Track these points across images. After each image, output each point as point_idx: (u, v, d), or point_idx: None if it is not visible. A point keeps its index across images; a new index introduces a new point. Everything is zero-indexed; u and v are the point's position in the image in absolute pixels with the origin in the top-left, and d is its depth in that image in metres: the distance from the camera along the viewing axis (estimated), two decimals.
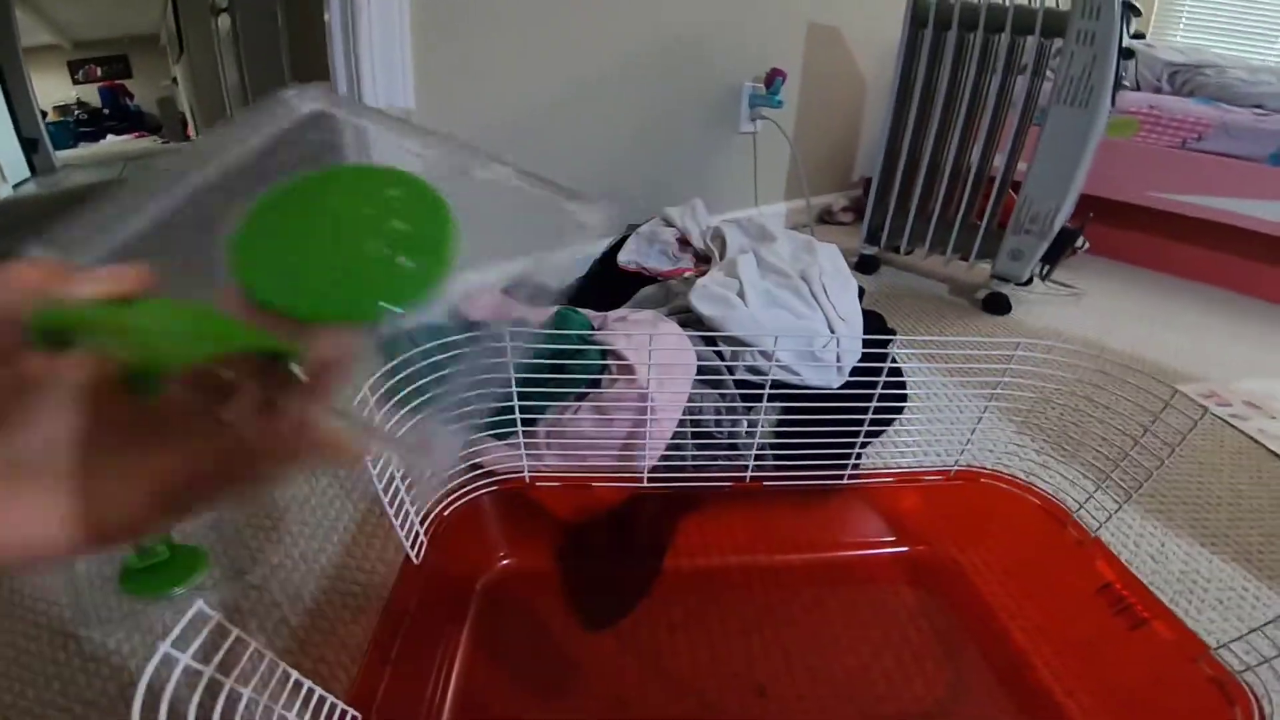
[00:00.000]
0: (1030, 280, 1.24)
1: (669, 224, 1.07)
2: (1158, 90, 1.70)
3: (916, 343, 1.04)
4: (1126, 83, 1.66)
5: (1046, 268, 1.20)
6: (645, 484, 0.58)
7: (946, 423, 0.74)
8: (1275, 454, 0.89)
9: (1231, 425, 0.94)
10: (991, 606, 0.58)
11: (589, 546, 0.61)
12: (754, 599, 0.58)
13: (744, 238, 0.98)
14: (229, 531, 0.63)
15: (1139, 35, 1.99)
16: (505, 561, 0.60)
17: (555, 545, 0.61)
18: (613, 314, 0.82)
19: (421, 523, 0.51)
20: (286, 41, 1.71)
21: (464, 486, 0.56)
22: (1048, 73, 1.14)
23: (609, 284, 1.03)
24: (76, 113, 6.86)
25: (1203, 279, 1.57)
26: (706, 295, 0.80)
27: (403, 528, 0.45)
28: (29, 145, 3.85)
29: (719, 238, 0.98)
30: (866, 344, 0.88)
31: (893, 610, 0.59)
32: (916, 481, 0.60)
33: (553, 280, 1.13)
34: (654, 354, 0.63)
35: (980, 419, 0.53)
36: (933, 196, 1.29)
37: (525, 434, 0.62)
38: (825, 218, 1.81)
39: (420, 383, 0.48)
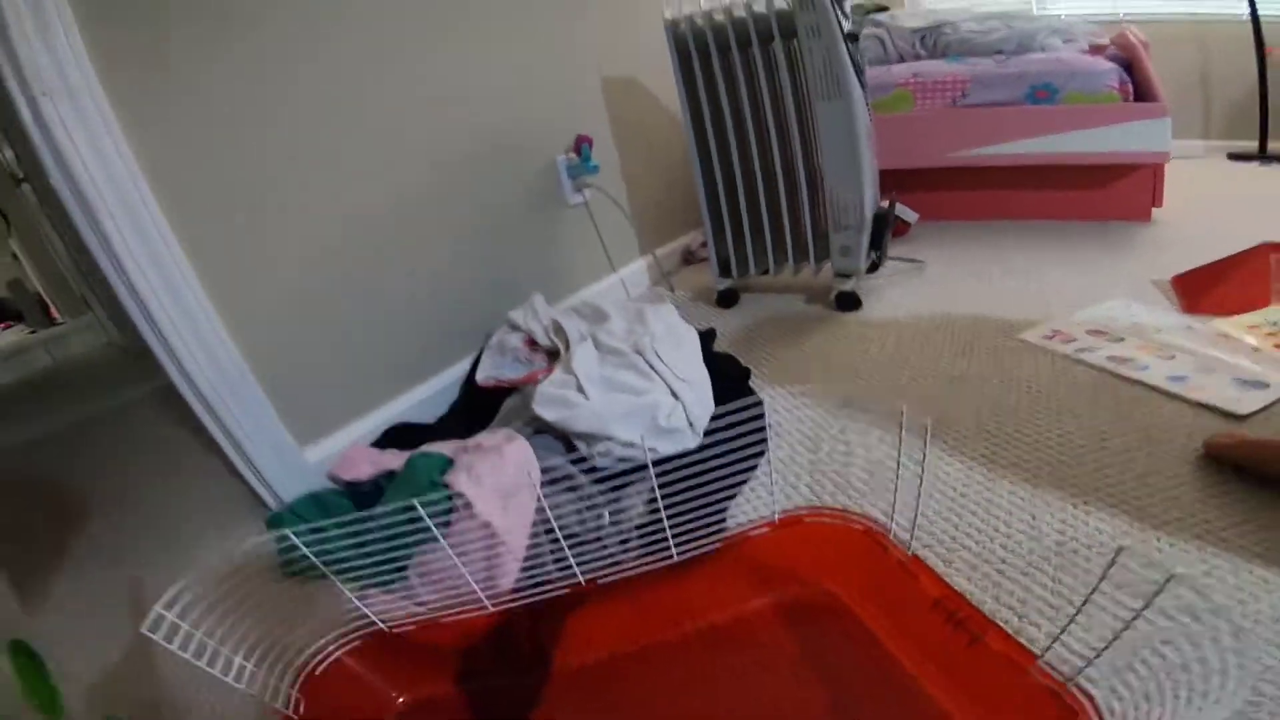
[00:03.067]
0: (874, 266, 1.33)
1: (515, 327, 1.11)
2: (918, 57, 1.86)
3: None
4: (865, 65, 1.82)
5: (876, 253, 1.28)
6: (490, 610, 0.61)
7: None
8: (1128, 379, 0.88)
9: (1081, 361, 0.97)
10: (868, 635, 0.59)
11: (480, 668, 0.64)
12: (634, 687, 0.61)
13: (582, 323, 1.04)
14: None
15: (881, 8, 2.18)
16: (401, 700, 0.63)
17: (449, 674, 0.64)
18: (470, 441, 0.85)
19: (292, 685, 0.54)
20: None
21: (325, 647, 0.58)
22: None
23: (477, 406, 1.06)
24: None
25: (1026, 216, 1.70)
26: (546, 400, 0.84)
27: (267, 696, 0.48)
28: None
29: (560, 331, 1.03)
30: (718, 392, 0.95)
31: (775, 667, 0.60)
32: (746, 537, 0.65)
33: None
34: (493, 482, 0.67)
35: (771, 473, 0.59)
36: (757, 215, 1.36)
37: (401, 577, 0.65)
38: (688, 258, 1.89)
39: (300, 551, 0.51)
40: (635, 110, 1.70)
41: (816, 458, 0.82)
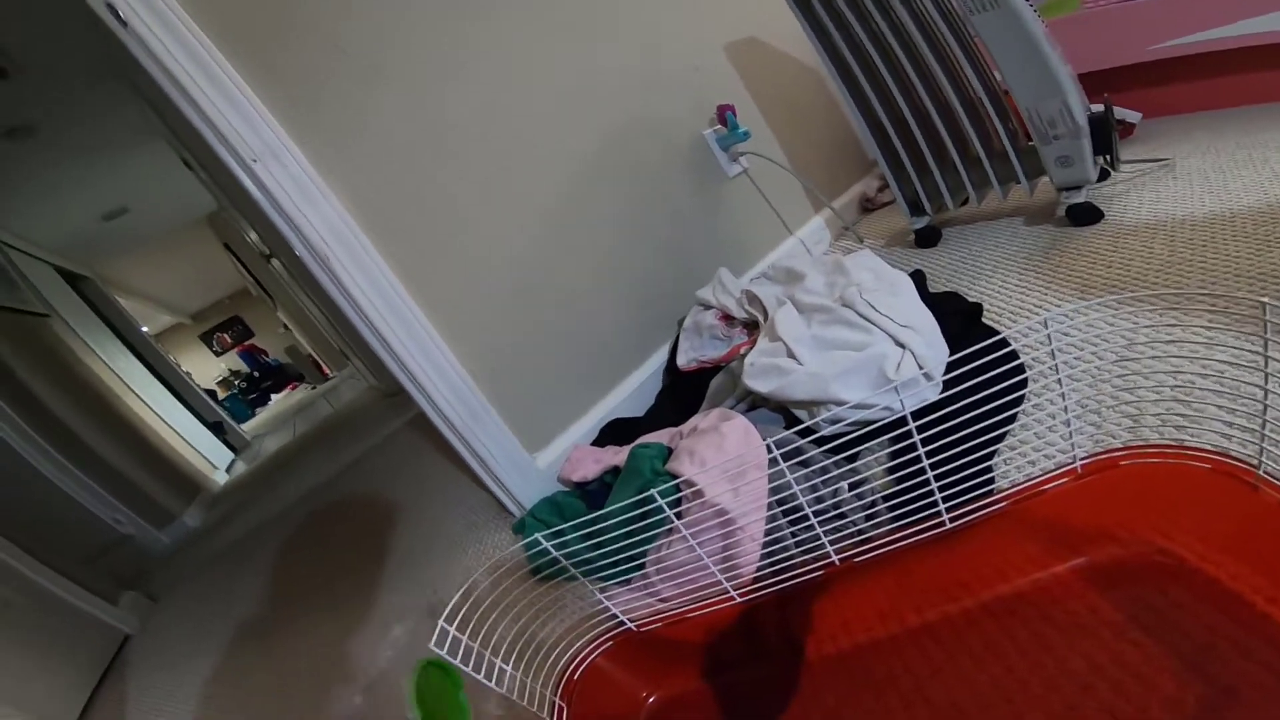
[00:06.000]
0: (1106, 175, 1.10)
1: (706, 305, 1.08)
2: None
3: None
4: None
5: (1108, 156, 1.06)
6: (737, 600, 0.57)
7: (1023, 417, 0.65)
8: None
9: None
10: (1229, 596, 0.45)
11: (726, 661, 0.61)
12: (912, 664, 0.53)
13: (776, 288, 0.97)
14: None
15: None
16: (651, 699, 0.61)
17: (695, 670, 0.62)
18: (685, 426, 0.83)
19: (554, 692, 0.55)
20: None
21: (582, 651, 0.59)
22: None
23: (682, 391, 1.05)
24: (237, 383, 8.17)
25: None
26: (756, 372, 0.79)
27: (538, 707, 0.49)
28: (216, 429, 4.54)
29: (755, 300, 0.97)
30: (948, 333, 0.83)
31: (1092, 631, 0.50)
32: (1038, 492, 0.53)
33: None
34: (718, 464, 0.64)
35: (1067, 409, 0.47)
36: (939, 145, 1.21)
37: (638, 569, 0.65)
38: (867, 206, 1.74)
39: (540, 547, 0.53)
40: (768, 69, 1.61)
41: (1128, 384, 0.66)
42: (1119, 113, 1.36)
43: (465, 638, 0.45)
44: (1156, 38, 1.33)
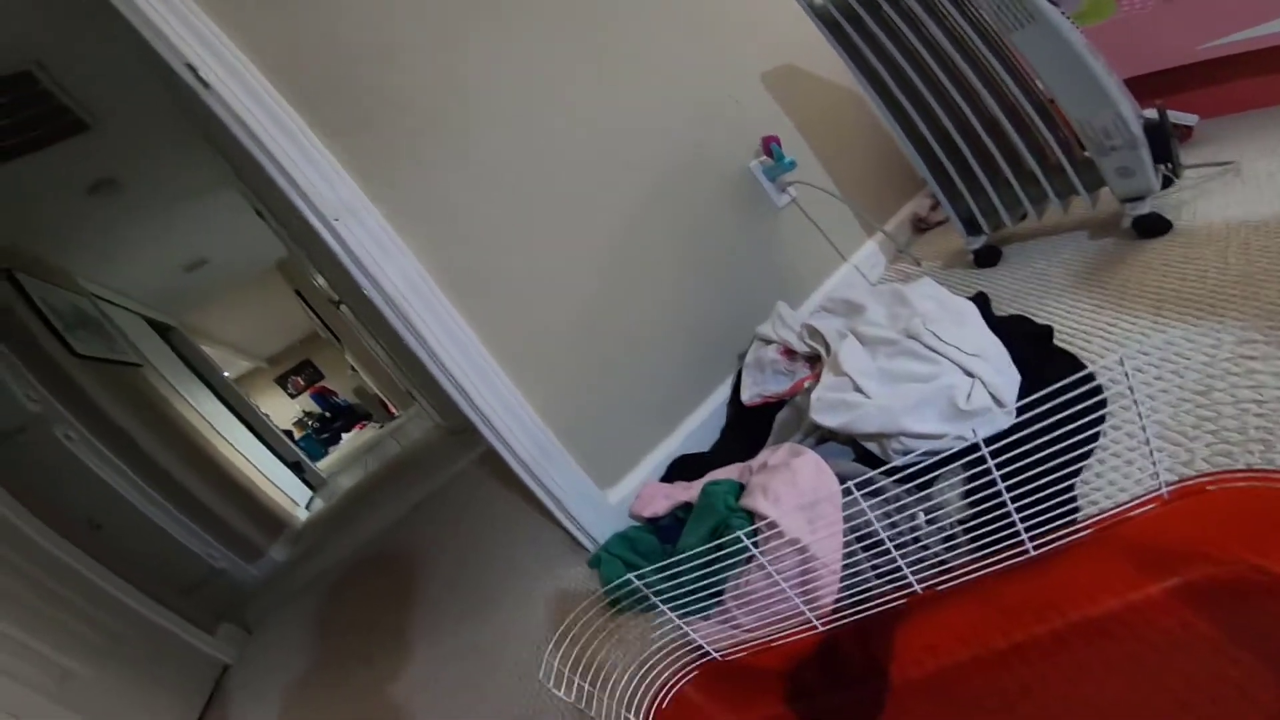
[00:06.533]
0: (1170, 182, 1.08)
1: (767, 341, 1.10)
2: None
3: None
4: None
5: (1169, 164, 1.04)
6: (819, 629, 0.59)
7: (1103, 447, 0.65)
8: None
9: None
10: None
11: (810, 687, 0.62)
12: (998, 686, 0.53)
13: (836, 320, 0.99)
14: None
15: None
16: None
17: (778, 696, 0.63)
18: (754, 462, 0.85)
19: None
20: None
21: (668, 680, 0.62)
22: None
23: (747, 426, 1.07)
24: (311, 424, 8.53)
25: None
26: (824, 407, 0.81)
27: None
28: (295, 469, 4.77)
29: (816, 334, 0.99)
30: (1018, 357, 0.83)
31: (1188, 648, 0.49)
32: (1125, 518, 0.53)
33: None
34: (792, 499, 0.66)
35: (1148, 438, 0.48)
36: (990, 162, 1.19)
37: (717, 603, 0.67)
38: (921, 226, 1.73)
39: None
40: (807, 95, 1.63)
41: (1209, 413, 0.65)
42: (1174, 116, 1.33)
43: (567, 670, 0.49)
44: (1208, 35, 1.30)
